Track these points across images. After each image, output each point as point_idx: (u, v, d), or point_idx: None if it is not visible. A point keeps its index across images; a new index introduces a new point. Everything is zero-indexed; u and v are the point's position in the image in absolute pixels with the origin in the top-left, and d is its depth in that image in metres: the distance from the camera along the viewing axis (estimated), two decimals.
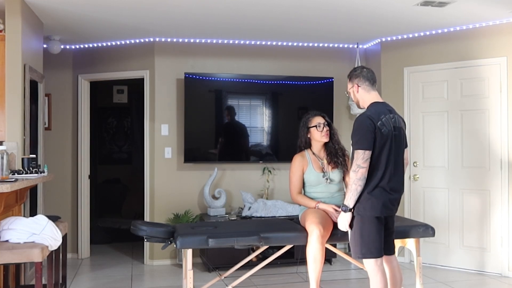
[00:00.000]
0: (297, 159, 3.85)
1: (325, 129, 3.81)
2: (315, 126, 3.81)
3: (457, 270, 5.10)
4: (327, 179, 3.76)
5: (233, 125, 5.68)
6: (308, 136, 3.86)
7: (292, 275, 4.98)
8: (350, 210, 3.07)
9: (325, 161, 3.82)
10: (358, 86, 3.24)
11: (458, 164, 5.14)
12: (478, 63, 5.00)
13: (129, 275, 5.11)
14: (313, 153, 3.86)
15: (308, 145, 3.88)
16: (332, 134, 3.86)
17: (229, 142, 5.70)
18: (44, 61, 4.83)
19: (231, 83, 5.63)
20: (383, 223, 3.11)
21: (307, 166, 3.80)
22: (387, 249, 3.20)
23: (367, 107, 3.19)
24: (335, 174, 3.79)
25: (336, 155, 3.82)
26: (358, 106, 3.32)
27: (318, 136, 3.81)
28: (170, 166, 5.54)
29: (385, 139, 3.03)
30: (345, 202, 3.09)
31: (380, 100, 3.24)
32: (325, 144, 3.86)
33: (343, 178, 3.84)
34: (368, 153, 2.99)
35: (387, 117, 3.09)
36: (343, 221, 3.12)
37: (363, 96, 3.24)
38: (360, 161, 2.99)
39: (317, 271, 3.43)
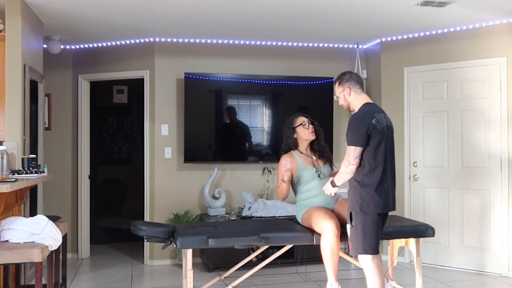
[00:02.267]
0: (285, 159, 3.84)
1: (310, 126, 3.87)
2: (301, 124, 3.85)
3: (457, 270, 5.10)
4: (319, 174, 3.80)
5: (233, 125, 5.68)
6: (295, 136, 3.89)
7: (292, 275, 4.98)
8: (337, 187, 3.30)
9: (314, 157, 3.87)
10: (350, 89, 3.33)
11: (458, 164, 5.14)
12: (478, 63, 4.99)
13: (129, 275, 5.11)
14: (301, 152, 3.89)
15: (295, 145, 3.91)
16: (317, 132, 3.92)
17: (229, 142, 5.70)
18: (44, 61, 4.83)
19: (231, 83, 5.62)
20: (381, 219, 3.22)
21: (297, 165, 3.81)
22: None
23: (361, 107, 3.28)
24: (326, 169, 3.87)
25: (324, 150, 3.91)
26: (348, 110, 3.41)
27: (306, 134, 3.85)
28: (170, 166, 5.54)
29: (380, 136, 3.14)
30: (335, 180, 3.27)
31: (371, 101, 3.35)
32: (311, 143, 3.91)
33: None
34: (359, 150, 3.10)
35: (380, 115, 3.21)
36: (330, 191, 3.35)
37: (354, 99, 3.33)
38: (350, 157, 3.11)
39: (335, 265, 3.46)
